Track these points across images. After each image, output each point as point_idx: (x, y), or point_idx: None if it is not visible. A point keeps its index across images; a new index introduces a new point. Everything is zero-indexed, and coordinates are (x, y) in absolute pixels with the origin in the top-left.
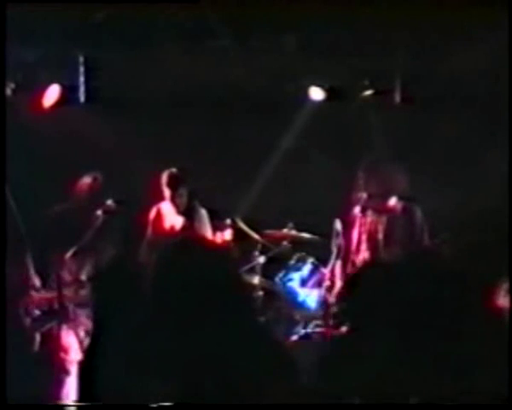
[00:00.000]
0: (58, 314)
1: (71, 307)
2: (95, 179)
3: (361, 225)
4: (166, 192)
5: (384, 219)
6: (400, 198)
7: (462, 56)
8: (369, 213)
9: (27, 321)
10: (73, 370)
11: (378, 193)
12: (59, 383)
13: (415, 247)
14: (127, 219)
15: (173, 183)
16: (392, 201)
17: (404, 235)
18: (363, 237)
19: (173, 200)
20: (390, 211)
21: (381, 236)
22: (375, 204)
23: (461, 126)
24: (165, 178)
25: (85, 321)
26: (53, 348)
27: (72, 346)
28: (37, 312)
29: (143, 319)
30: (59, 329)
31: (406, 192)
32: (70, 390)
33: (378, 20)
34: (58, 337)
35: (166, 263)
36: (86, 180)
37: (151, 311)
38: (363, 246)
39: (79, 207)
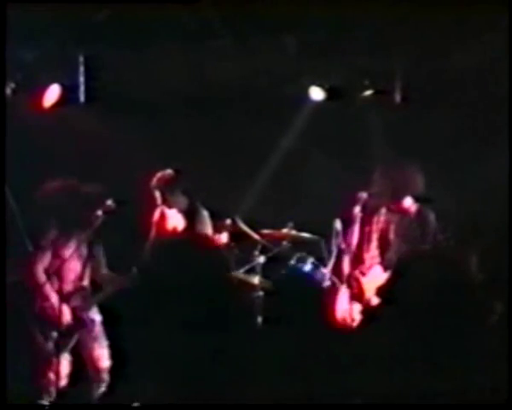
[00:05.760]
0: (77, 328)
1: (85, 316)
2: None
3: (372, 224)
4: (156, 194)
5: (397, 218)
6: (415, 199)
7: (462, 56)
8: (383, 211)
9: (49, 345)
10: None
11: (392, 192)
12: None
13: (425, 247)
14: (127, 219)
15: (162, 184)
16: (407, 201)
17: (415, 235)
18: (374, 236)
19: (165, 201)
20: (403, 211)
21: (392, 235)
22: (389, 203)
23: (460, 126)
24: (154, 180)
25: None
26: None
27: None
28: (54, 334)
29: (143, 319)
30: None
31: (421, 193)
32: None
33: (378, 20)
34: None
35: (168, 264)
36: None
37: (151, 311)
38: (374, 244)
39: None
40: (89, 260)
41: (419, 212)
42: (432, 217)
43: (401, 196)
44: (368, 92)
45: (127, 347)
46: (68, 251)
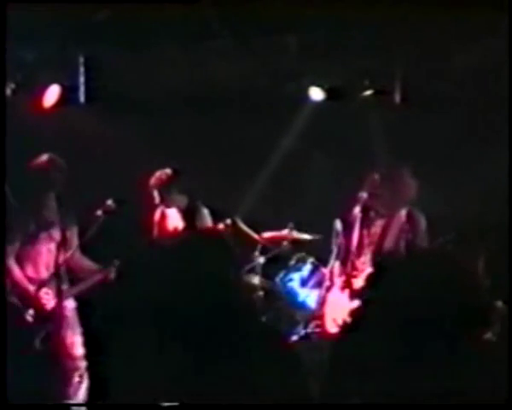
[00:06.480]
0: (49, 316)
1: (58, 302)
2: None
3: (363, 227)
4: (155, 194)
5: (388, 221)
6: (413, 201)
7: (462, 57)
8: (372, 214)
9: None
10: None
11: (388, 197)
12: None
13: (417, 250)
14: (127, 219)
15: (160, 184)
16: (403, 212)
17: (406, 238)
18: (366, 240)
19: (163, 201)
20: (395, 216)
21: (383, 237)
22: (381, 207)
23: (460, 127)
24: (152, 180)
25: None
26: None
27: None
28: (31, 312)
29: (143, 319)
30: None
31: (420, 194)
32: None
33: (378, 20)
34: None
35: (168, 264)
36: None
37: (152, 311)
38: (366, 248)
39: None
40: (61, 244)
41: (409, 213)
42: (422, 219)
43: (400, 196)
44: (368, 92)
45: (125, 346)
46: (39, 236)
